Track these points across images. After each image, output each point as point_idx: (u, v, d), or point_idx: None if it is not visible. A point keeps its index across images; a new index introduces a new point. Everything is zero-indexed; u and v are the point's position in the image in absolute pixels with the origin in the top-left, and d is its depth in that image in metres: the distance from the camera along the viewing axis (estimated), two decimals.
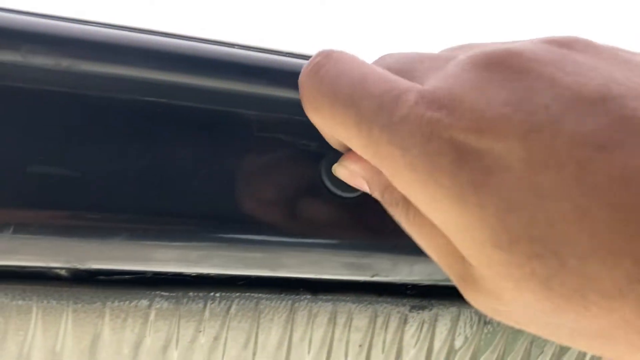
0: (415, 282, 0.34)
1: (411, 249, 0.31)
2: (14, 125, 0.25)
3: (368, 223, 0.31)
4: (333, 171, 0.29)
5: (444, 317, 0.35)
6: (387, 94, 0.21)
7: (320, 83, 0.23)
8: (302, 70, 0.25)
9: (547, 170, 0.16)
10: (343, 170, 0.28)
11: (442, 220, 0.19)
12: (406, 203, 0.23)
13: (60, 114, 0.26)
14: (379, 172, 0.24)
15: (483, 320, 0.36)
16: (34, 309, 0.28)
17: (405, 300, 0.34)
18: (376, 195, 0.26)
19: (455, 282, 0.22)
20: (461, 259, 0.20)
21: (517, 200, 0.17)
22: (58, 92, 0.26)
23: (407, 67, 0.23)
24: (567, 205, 0.16)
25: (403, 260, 0.31)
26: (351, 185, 0.30)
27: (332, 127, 0.24)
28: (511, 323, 0.21)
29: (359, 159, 0.26)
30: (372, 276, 0.31)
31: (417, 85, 0.21)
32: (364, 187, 0.27)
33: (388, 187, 0.24)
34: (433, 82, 0.20)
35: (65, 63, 0.25)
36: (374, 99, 0.21)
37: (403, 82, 0.21)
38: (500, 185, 0.17)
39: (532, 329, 0.20)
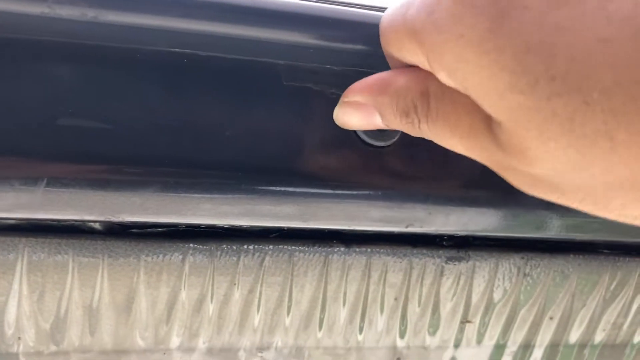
0: (451, 233, 0.33)
1: (446, 199, 0.30)
2: (43, 79, 0.25)
3: (401, 172, 0.30)
4: (334, 116, 0.28)
5: (481, 268, 0.34)
6: None
7: None
8: None
9: (568, 4, 0.16)
10: (348, 107, 0.27)
11: (464, 80, 0.19)
12: (424, 100, 0.22)
13: (90, 66, 0.26)
14: (384, 90, 0.24)
15: (522, 272, 0.36)
16: (70, 264, 0.28)
17: (441, 252, 0.33)
18: (388, 114, 0.25)
19: (489, 163, 0.22)
20: (488, 131, 0.20)
21: (535, 39, 0.16)
22: (85, 44, 0.26)
23: None
24: (590, 36, 0.15)
25: (438, 210, 0.30)
26: (384, 134, 0.30)
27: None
28: (546, 194, 0.21)
29: (363, 87, 0.25)
30: (407, 227, 0.31)
31: None
32: (374, 121, 0.26)
33: (399, 95, 0.24)
34: None
35: (91, 13, 0.25)
36: None
37: None
38: (518, 25, 0.17)
39: (568, 198, 0.20)
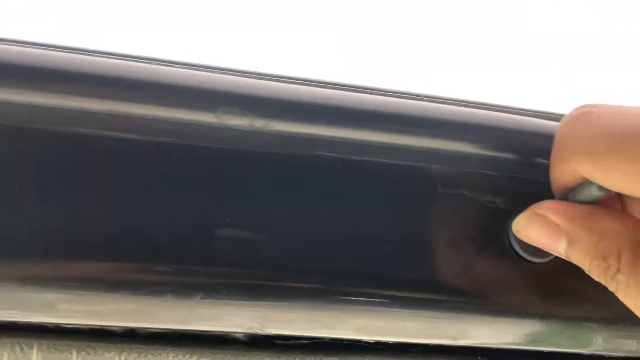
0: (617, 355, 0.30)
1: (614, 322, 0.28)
2: (205, 187, 0.24)
3: (559, 291, 0.28)
4: (515, 222, 0.26)
5: None
6: None
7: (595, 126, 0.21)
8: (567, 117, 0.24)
9: None
10: (534, 219, 0.25)
11: None
12: (635, 252, 0.21)
13: (247, 174, 0.25)
14: (584, 220, 0.23)
15: None
16: None
17: None
18: (579, 248, 0.23)
19: None
20: None
21: None
22: (251, 152, 0.25)
23: None
24: None
25: (609, 332, 0.28)
26: (534, 248, 0.28)
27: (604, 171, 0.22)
28: None
29: (559, 208, 0.24)
30: (564, 347, 0.28)
31: None
32: (556, 245, 0.24)
33: (604, 235, 0.22)
34: None
35: (259, 124, 0.24)
36: None
37: None
38: None
39: None
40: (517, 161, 0.28)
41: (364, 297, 0.26)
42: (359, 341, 0.28)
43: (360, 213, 0.26)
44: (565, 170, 0.24)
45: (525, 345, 0.28)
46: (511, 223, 0.28)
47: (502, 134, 0.27)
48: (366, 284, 0.26)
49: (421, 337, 0.27)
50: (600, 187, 0.22)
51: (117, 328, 0.25)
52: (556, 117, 0.29)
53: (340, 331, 0.27)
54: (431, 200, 0.27)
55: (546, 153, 0.28)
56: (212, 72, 0.24)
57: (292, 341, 0.27)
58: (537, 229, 0.25)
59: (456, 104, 0.28)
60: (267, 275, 0.25)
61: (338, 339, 0.27)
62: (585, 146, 0.21)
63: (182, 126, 0.24)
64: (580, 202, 0.24)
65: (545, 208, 0.24)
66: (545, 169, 0.28)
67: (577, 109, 0.23)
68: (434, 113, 0.27)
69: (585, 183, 0.23)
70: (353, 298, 0.26)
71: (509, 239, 0.27)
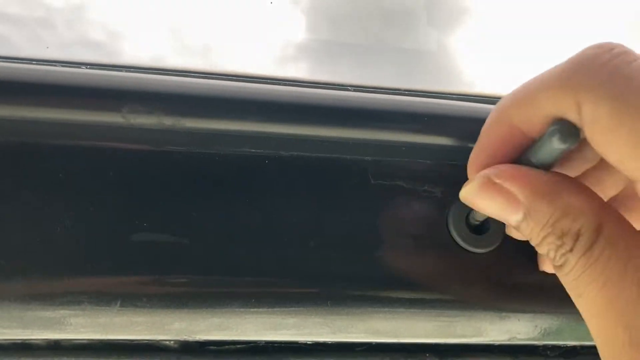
0: (557, 343, 0.29)
1: (553, 307, 0.27)
2: (116, 191, 0.23)
3: (501, 280, 0.27)
4: (465, 191, 0.23)
5: None
6: None
7: None
8: None
9: None
10: (486, 186, 0.22)
11: None
12: (593, 236, 0.19)
13: (165, 176, 0.24)
14: (548, 195, 0.20)
15: None
16: None
17: None
18: (536, 223, 0.20)
19: None
20: None
21: None
22: (165, 151, 0.24)
23: None
24: None
25: (543, 320, 0.26)
26: (482, 239, 0.26)
27: None
28: None
29: (521, 177, 0.21)
30: (509, 339, 0.27)
31: None
32: (509, 216, 0.21)
33: (566, 212, 0.20)
34: None
35: (168, 122, 0.23)
36: None
37: None
38: None
39: None
40: (453, 148, 0.27)
41: (295, 298, 0.25)
42: (296, 342, 0.27)
43: (288, 211, 0.25)
44: (536, 111, 0.21)
45: (470, 338, 0.27)
46: (452, 213, 0.27)
47: (435, 121, 0.26)
48: (297, 284, 0.25)
49: (362, 335, 0.26)
50: (564, 139, 0.19)
51: (39, 341, 0.25)
52: (490, 100, 0.28)
53: (274, 333, 0.26)
54: (364, 193, 0.26)
55: None
56: (116, 70, 0.23)
57: (226, 346, 0.26)
58: (494, 200, 0.22)
59: (384, 92, 0.27)
60: (191, 280, 0.24)
61: (274, 341, 0.26)
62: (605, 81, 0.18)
63: (88, 128, 0.23)
64: (534, 163, 0.21)
65: (504, 177, 0.21)
66: None
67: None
68: (362, 103, 0.26)
69: (548, 135, 0.20)
70: (284, 299, 0.25)
71: (448, 229, 0.26)
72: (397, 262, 0.26)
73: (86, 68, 0.23)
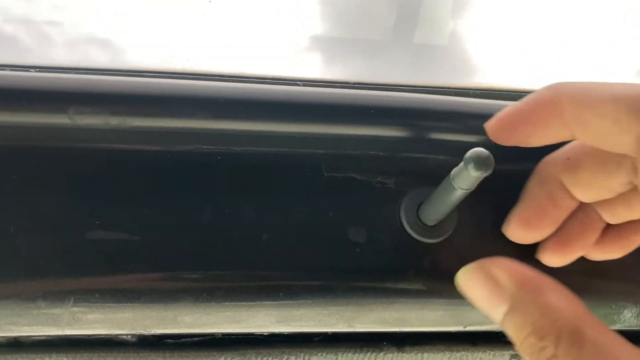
0: None
1: None
2: (67, 190, 0.24)
3: (454, 269, 0.27)
4: (461, 272, 0.23)
5: None
6: None
7: None
8: None
9: None
10: (480, 274, 0.22)
11: None
12: (578, 335, 0.18)
13: (116, 174, 0.24)
14: (538, 293, 0.20)
15: None
16: None
17: (505, 351, 0.30)
18: (516, 323, 0.20)
19: None
20: None
21: None
22: (115, 150, 0.24)
23: None
24: None
25: None
26: (434, 229, 0.27)
27: None
28: None
29: (516, 272, 0.21)
30: (465, 327, 0.28)
31: None
32: (492, 305, 0.21)
33: (546, 314, 0.19)
34: None
35: (114, 121, 0.24)
36: None
37: None
38: None
39: None
40: (405, 139, 0.27)
41: (249, 292, 0.25)
42: (252, 334, 0.27)
43: (241, 206, 0.25)
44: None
45: (427, 327, 0.27)
46: (404, 204, 0.27)
47: (385, 113, 0.27)
48: (251, 278, 0.25)
49: (316, 327, 0.26)
50: (478, 167, 0.21)
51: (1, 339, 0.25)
52: (441, 90, 0.28)
53: (234, 327, 0.26)
54: (318, 186, 0.26)
55: (436, 128, 0.27)
56: (61, 72, 0.24)
57: (183, 339, 0.27)
58: (480, 289, 0.22)
59: (334, 86, 0.27)
60: (143, 276, 0.24)
61: (231, 333, 0.27)
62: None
63: (37, 130, 0.23)
64: (453, 186, 0.22)
65: (496, 266, 0.21)
66: (435, 145, 0.27)
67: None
68: (312, 97, 0.26)
69: (464, 161, 0.21)
70: (235, 292, 0.25)
71: (400, 220, 0.27)
72: (350, 253, 0.26)
73: (35, 71, 0.24)
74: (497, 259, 0.22)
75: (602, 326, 0.19)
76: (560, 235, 0.25)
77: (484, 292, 0.21)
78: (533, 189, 0.26)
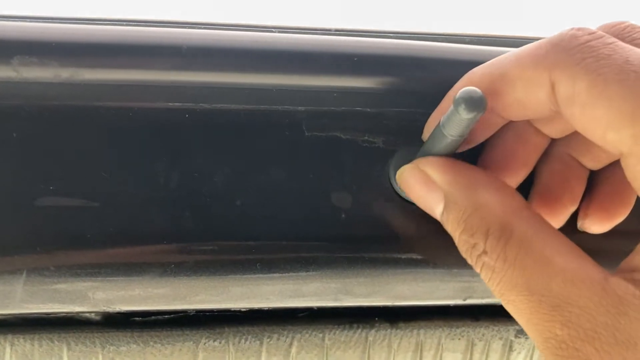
0: None
1: None
2: (16, 152, 0.21)
3: (448, 235, 0.25)
4: (399, 174, 0.23)
5: None
6: None
7: None
8: None
9: None
10: (415, 174, 0.22)
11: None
12: (504, 232, 0.18)
13: (71, 133, 0.22)
14: (468, 189, 0.20)
15: None
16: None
17: (509, 325, 0.27)
18: (452, 221, 0.20)
19: None
20: None
21: None
22: (60, 106, 0.22)
23: None
24: None
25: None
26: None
27: None
28: None
29: (449, 169, 0.21)
30: (465, 299, 0.25)
31: None
32: (431, 204, 0.21)
33: (477, 210, 0.19)
34: None
35: (65, 74, 0.21)
36: None
37: None
38: None
39: None
40: (393, 92, 0.24)
41: (221, 263, 0.23)
42: (229, 310, 0.25)
43: (212, 170, 0.23)
44: (507, 89, 0.21)
45: (422, 300, 0.25)
46: (392, 163, 0.24)
47: (371, 62, 0.24)
48: (224, 249, 0.23)
49: (299, 301, 0.24)
50: (470, 109, 0.18)
51: None
52: (433, 38, 0.25)
53: (207, 303, 0.24)
54: (298, 147, 0.24)
55: (428, 80, 0.25)
56: (4, 20, 0.21)
57: (152, 317, 0.24)
58: (417, 187, 0.22)
59: (312, 33, 0.24)
60: (103, 247, 0.22)
61: (205, 310, 0.25)
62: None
63: None
64: (445, 135, 0.20)
65: (431, 167, 0.22)
66: (427, 98, 0.24)
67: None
68: (287, 45, 0.23)
69: (454, 105, 0.19)
70: (209, 265, 0.23)
71: (390, 181, 0.24)
72: (334, 219, 0.24)
73: None
74: (432, 157, 0.22)
75: (535, 220, 0.19)
76: (547, 192, 0.24)
77: (421, 193, 0.21)
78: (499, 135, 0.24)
